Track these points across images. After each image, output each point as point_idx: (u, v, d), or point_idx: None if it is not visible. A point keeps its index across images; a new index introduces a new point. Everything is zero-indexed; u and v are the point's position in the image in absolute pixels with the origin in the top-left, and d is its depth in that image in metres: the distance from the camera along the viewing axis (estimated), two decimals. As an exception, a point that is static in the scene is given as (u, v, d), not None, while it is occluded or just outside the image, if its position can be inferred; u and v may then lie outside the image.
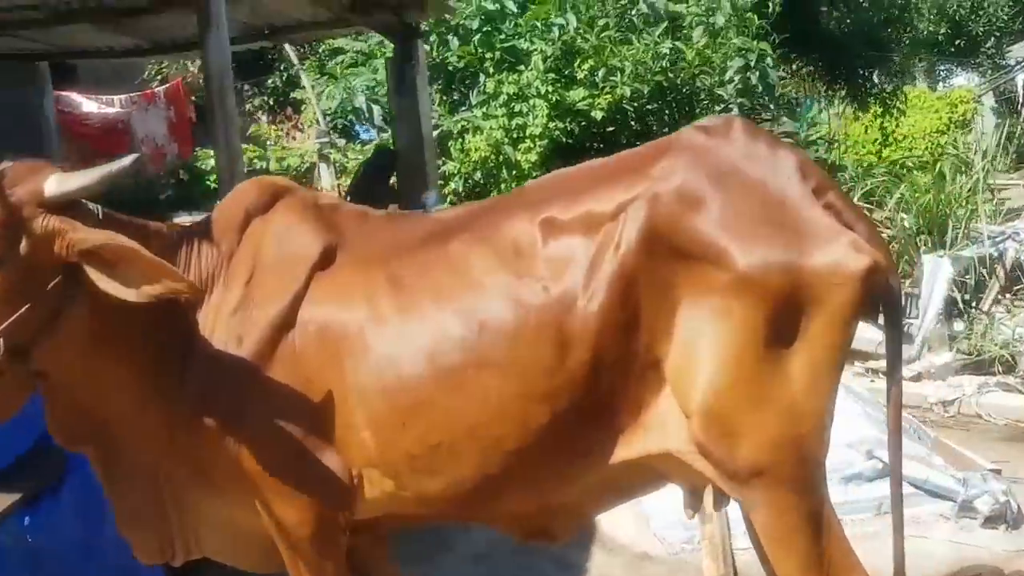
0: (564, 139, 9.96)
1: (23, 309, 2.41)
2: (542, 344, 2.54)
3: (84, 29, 7.00)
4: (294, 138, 14.76)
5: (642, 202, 2.54)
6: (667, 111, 10.60)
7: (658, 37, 10.65)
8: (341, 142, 12.98)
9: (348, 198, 8.41)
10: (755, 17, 11.15)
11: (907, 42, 18.91)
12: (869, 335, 8.15)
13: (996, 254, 8.50)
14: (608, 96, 10.18)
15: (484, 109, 10.08)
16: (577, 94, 10.14)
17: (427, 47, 10.41)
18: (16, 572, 3.34)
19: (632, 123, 10.41)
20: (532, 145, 9.82)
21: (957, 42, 25.54)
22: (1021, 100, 22.87)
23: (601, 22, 10.74)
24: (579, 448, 2.64)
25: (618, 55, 10.39)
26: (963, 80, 27.36)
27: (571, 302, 2.54)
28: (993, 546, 4.75)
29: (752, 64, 10.56)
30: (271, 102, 14.78)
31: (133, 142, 12.43)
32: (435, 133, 10.09)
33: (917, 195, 9.20)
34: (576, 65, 10.34)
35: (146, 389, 2.69)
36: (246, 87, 14.92)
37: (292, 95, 13.87)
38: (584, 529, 4.72)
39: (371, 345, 2.64)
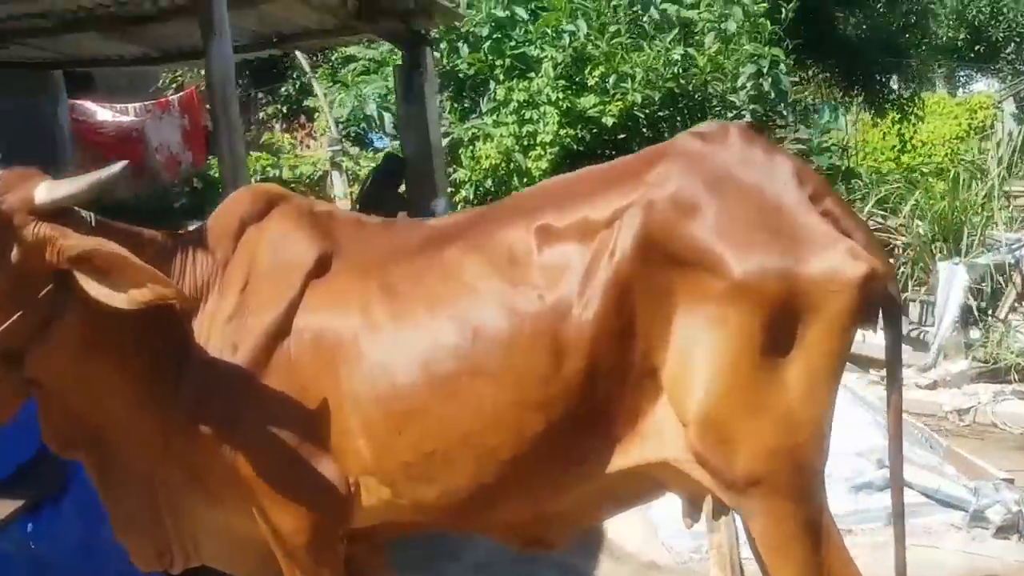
0: (575, 146, 9.91)
1: (15, 316, 2.42)
2: (537, 352, 2.53)
3: (91, 37, 7.03)
4: (308, 146, 14.80)
5: (637, 209, 2.53)
6: (679, 118, 10.53)
7: (669, 43, 10.59)
8: (354, 150, 12.98)
9: (358, 206, 8.40)
10: (767, 23, 11.09)
11: (925, 48, 18.79)
12: (882, 342, 8.10)
13: (1013, 261, 8.42)
14: (619, 103, 10.12)
15: (495, 116, 10.05)
16: (588, 101, 10.09)
17: (437, 54, 10.41)
18: (20, 576, 3.34)
19: (644, 130, 10.35)
20: (543, 152, 9.78)
21: (977, 48, 25.38)
22: (1041, 105, 22.67)
23: (612, 28, 10.69)
24: (575, 457, 2.62)
25: (629, 62, 10.33)
26: (983, 86, 27.16)
27: (566, 310, 2.53)
28: (1005, 556, 4.72)
29: (764, 70, 10.49)
30: (284, 110, 14.82)
31: (147, 150, 12.49)
32: (446, 141, 10.07)
33: (932, 202, 9.11)
34: (587, 72, 10.29)
35: (139, 395, 2.69)
36: (260, 95, 14.97)
37: (305, 103, 13.90)
38: (587, 536, 4.78)
39: (365, 353, 2.63)
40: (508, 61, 10.30)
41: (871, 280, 2.44)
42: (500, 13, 10.39)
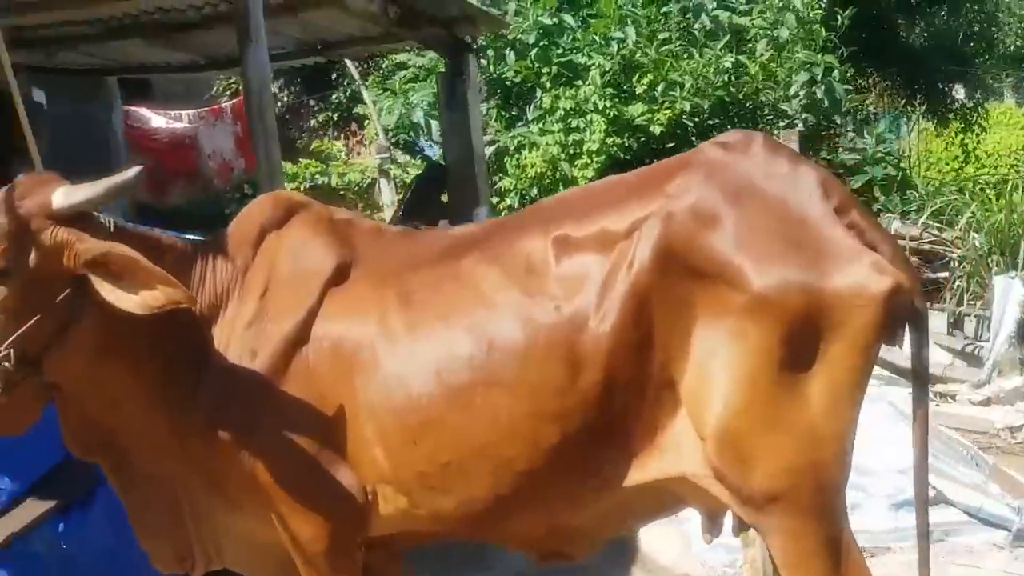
0: (622, 155, 9.83)
1: (33, 320, 2.45)
2: (553, 363, 2.51)
3: (137, 44, 7.13)
4: (359, 153, 14.88)
5: (656, 220, 2.50)
6: (729, 127, 10.39)
7: (720, 51, 10.47)
8: (404, 158, 13.03)
9: (400, 213, 8.40)
10: (822, 30, 10.91)
11: (991, 57, 18.35)
12: (937, 358, 7.91)
13: (1071, 275, 8.13)
14: (668, 111, 10.04)
15: (541, 124, 10.02)
16: (636, 109, 10.01)
17: (484, 62, 10.39)
18: (52, 576, 3.37)
19: (692, 139, 10.21)
20: (589, 161, 9.72)
21: (1047, 58, 24.70)
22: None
23: (662, 36, 10.60)
24: (591, 470, 2.59)
25: (678, 69, 10.24)
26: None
27: (583, 321, 2.50)
28: (1048, 577, 4.55)
29: (818, 78, 10.30)
30: (335, 117, 14.91)
31: (200, 157, 12.65)
32: (491, 149, 10.05)
33: (989, 214, 8.87)
34: (635, 80, 10.21)
35: (154, 400, 2.71)
36: (311, 102, 15.10)
37: (355, 111, 13.98)
38: (620, 548, 4.76)
39: (381, 362, 2.63)
40: (555, 69, 10.28)
41: (896, 294, 2.39)
42: (547, 20, 10.36)
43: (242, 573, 3.05)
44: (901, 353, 6.82)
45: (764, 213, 2.46)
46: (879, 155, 10.52)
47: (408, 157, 12.80)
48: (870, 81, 16.38)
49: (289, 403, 2.65)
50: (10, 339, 2.42)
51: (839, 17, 11.20)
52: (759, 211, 2.46)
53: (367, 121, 13.49)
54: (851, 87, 11.33)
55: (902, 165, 11.70)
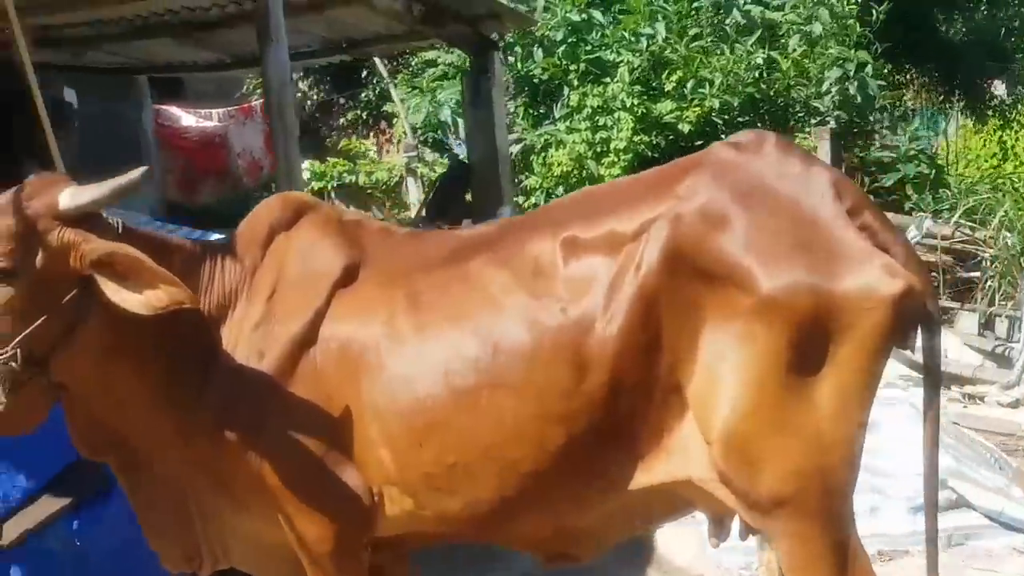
0: (650, 153, 9.74)
1: (39, 321, 2.45)
2: (559, 365, 2.50)
3: (164, 43, 7.17)
4: (387, 152, 14.90)
5: (664, 221, 2.47)
6: (759, 124, 10.27)
7: (751, 47, 10.36)
8: (432, 156, 13.03)
9: (424, 212, 8.39)
10: (856, 25, 10.75)
11: (1032, 53, 18.03)
12: (967, 359, 7.77)
13: (1104, 276, 7.94)
14: (696, 109, 9.95)
15: (568, 122, 9.96)
16: (664, 107, 9.93)
17: (511, 59, 10.35)
18: (66, 574, 3.41)
19: (722, 136, 10.11)
20: (616, 159, 9.65)
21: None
22: None
23: (692, 32, 10.50)
24: (597, 472, 2.58)
25: (708, 66, 10.15)
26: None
27: (590, 323, 2.49)
28: (1068, 583, 4.47)
29: (851, 74, 10.16)
30: (364, 116, 14.94)
31: (230, 156, 12.70)
32: (518, 147, 10.00)
33: (1022, 213, 8.68)
34: (664, 76, 10.13)
35: (161, 400, 2.70)
36: (341, 100, 15.14)
37: (383, 109, 14.00)
38: (636, 549, 4.74)
39: (388, 364, 2.62)
40: (583, 66, 10.22)
41: (907, 297, 2.35)
42: (576, 17, 10.29)
43: (249, 572, 3.05)
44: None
45: (775, 214, 2.42)
46: (912, 153, 10.35)
47: (436, 155, 12.80)
48: (907, 77, 16.15)
49: (296, 404, 2.65)
50: (17, 339, 2.42)
51: (874, 12, 11.02)
52: (769, 212, 2.43)
53: (396, 119, 13.51)
54: (885, 83, 11.13)
55: (939, 162, 11.50)
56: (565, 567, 2.87)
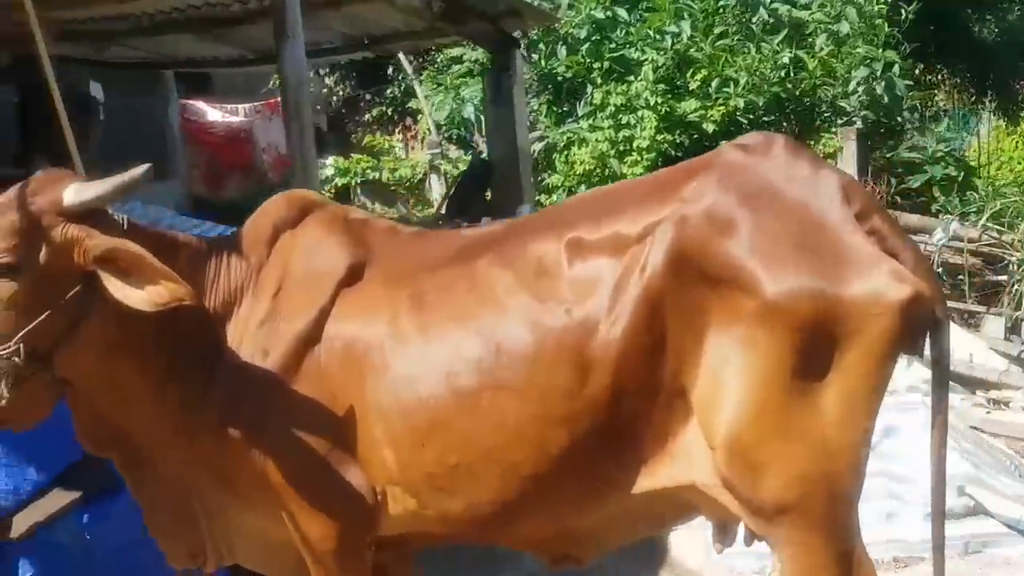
0: (673, 152, 9.68)
1: (43, 316, 2.45)
2: (561, 367, 2.48)
3: (186, 39, 7.20)
4: (412, 148, 14.91)
5: (669, 224, 2.45)
6: (785, 123, 10.19)
7: (777, 46, 10.27)
8: (456, 153, 13.03)
9: (444, 210, 8.38)
10: (885, 25, 10.63)
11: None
12: (992, 363, 7.66)
13: None
14: (721, 108, 9.88)
15: (591, 121, 9.92)
16: (688, 105, 9.87)
17: (535, 56, 10.32)
18: (74, 569, 3.43)
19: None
20: (639, 158, 9.60)
21: None
22: None
23: (718, 30, 10.43)
24: (599, 475, 2.56)
25: (733, 65, 10.07)
26: None
27: (593, 325, 2.46)
28: (1087, 593, 4.40)
29: (877, 74, 10.04)
30: (390, 112, 14.95)
31: (255, 151, 12.76)
32: (541, 145, 9.97)
33: (1050, 216, 8.57)
34: (689, 75, 10.06)
35: (165, 397, 2.70)
36: (368, 96, 15.15)
37: (408, 105, 14.01)
38: (648, 552, 4.71)
39: (391, 364, 2.61)
40: (606, 64, 10.16)
41: (916, 303, 2.31)
42: (600, 15, 10.24)
43: (254, 569, 3.05)
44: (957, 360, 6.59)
45: (781, 217, 2.40)
46: (939, 154, 10.22)
47: (460, 152, 12.79)
48: (939, 77, 15.98)
49: (300, 402, 2.64)
50: (20, 335, 2.42)
51: (903, 11, 10.89)
52: (776, 215, 2.40)
53: (420, 116, 13.51)
54: (914, 83, 11.00)
55: (971, 164, 11.36)
56: (568, 569, 2.85)
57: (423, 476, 2.60)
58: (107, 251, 2.47)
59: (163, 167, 10.12)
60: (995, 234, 8.64)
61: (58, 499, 3.48)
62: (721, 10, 10.75)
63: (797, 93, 10.39)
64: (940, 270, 8.54)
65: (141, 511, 2.94)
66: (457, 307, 2.61)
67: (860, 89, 10.27)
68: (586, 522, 2.68)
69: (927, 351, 2.52)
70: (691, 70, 10.13)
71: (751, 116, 10.15)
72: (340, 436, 2.63)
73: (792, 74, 10.39)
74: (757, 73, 10.13)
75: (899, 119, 10.90)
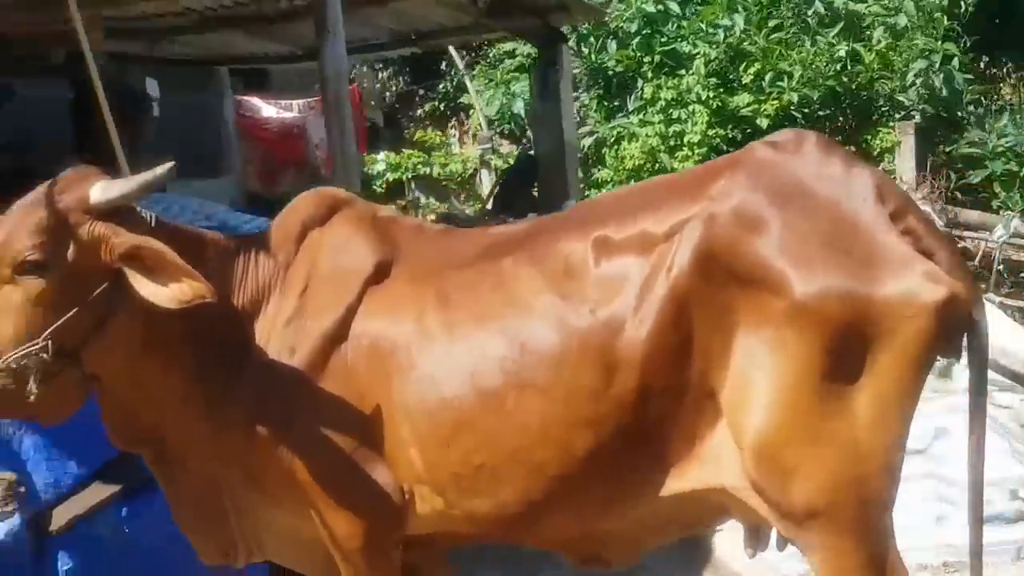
0: (725, 147, 9.57)
1: (70, 313, 2.46)
2: (586, 368, 2.45)
3: (236, 35, 7.25)
4: (464, 143, 14.91)
5: (697, 222, 2.40)
6: (841, 118, 10.01)
7: (833, 39, 10.08)
8: (507, 148, 13.01)
9: (490, 206, 8.36)
10: (944, 18, 10.39)
11: None
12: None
13: None
14: (775, 102, 9.74)
15: (641, 115, 9.84)
16: (741, 99, 9.76)
17: (585, 50, 10.25)
18: (112, 562, 3.45)
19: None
20: (690, 153, 9.52)
21: None
22: None
23: (772, 23, 10.27)
24: (625, 477, 2.53)
25: (788, 58, 9.91)
26: None
27: (619, 325, 2.43)
28: None
29: (935, 67, 9.81)
30: (442, 107, 14.97)
31: (308, 146, 12.81)
32: (590, 140, 9.90)
33: (1095, 214, 8.32)
34: (741, 69, 9.93)
35: (193, 395, 2.71)
36: (421, 91, 15.19)
37: (459, 100, 14.02)
38: (692, 553, 4.66)
39: (416, 363, 2.60)
40: (657, 58, 10.07)
41: (950, 305, 2.25)
42: (650, 8, 10.15)
43: (287, 566, 3.07)
44: (1017, 359, 6.39)
45: (812, 216, 2.34)
46: (1000, 149, 9.96)
47: (512, 147, 12.77)
48: (1004, 71, 15.54)
49: (326, 400, 2.64)
50: (48, 331, 2.44)
51: (963, 3, 10.63)
52: (807, 214, 2.35)
53: (472, 111, 13.52)
54: (974, 77, 10.72)
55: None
56: (598, 571, 2.84)
57: (449, 476, 2.59)
58: (132, 248, 2.48)
59: (218, 164, 10.23)
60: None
61: (97, 492, 3.50)
62: (776, 3, 10.59)
63: (853, 87, 10.21)
64: (1001, 267, 8.34)
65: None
66: (482, 306, 2.59)
67: (918, 82, 10.04)
68: (613, 524, 2.65)
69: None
70: (744, 64, 10.02)
71: (805, 110, 10.00)
72: (366, 434, 2.63)
73: (848, 67, 10.19)
74: (812, 67, 9.98)
75: (959, 113, 10.64)
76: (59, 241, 2.46)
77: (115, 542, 3.47)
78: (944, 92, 10.03)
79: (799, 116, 9.92)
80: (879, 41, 10.33)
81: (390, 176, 12.96)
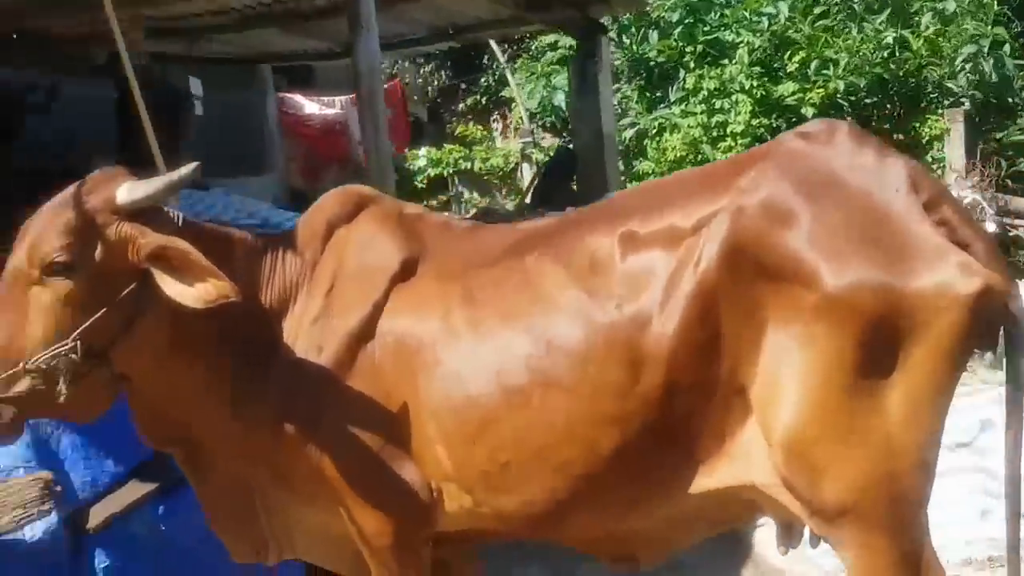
0: (769, 137, 9.40)
1: (99, 314, 2.48)
2: (612, 365, 2.42)
3: (273, 33, 7.27)
4: (507, 137, 14.87)
5: (725, 215, 2.36)
6: (888, 106, 9.81)
7: (880, 25, 9.88)
8: (549, 142, 12.93)
9: (528, 200, 8.32)
10: (994, 2, 10.13)
11: None
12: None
13: None
14: (820, 90, 9.56)
15: (683, 106, 9.72)
16: (786, 88, 9.60)
17: (626, 41, 10.16)
18: (149, 560, 3.48)
19: (848, 119, 9.69)
20: (733, 144, 9.39)
21: None
22: None
23: (818, 10, 10.10)
24: (652, 475, 2.51)
25: (833, 46, 9.73)
26: None
27: (645, 321, 2.40)
28: None
29: (984, 51, 9.57)
30: (484, 101, 14.95)
31: (350, 143, 12.83)
32: (632, 131, 9.81)
33: None
34: (786, 57, 9.77)
35: (222, 394, 2.72)
36: (462, 86, 15.17)
37: (501, 94, 13.98)
38: (732, 548, 4.65)
39: (442, 360, 2.60)
40: (700, 47, 9.94)
41: (986, 297, 2.19)
42: (693, -2, 10.05)
43: (319, 565, 3.08)
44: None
45: (843, 208, 2.29)
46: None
47: (554, 141, 12.70)
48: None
49: (353, 398, 2.64)
50: (76, 332, 2.45)
51: (1014, -13, 10.38)
52: (837, 206, 2.29)
53: (514, 104, 13.47)
54: (1023, 62, 10.45)
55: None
56: (624, 570, 2.81)
57: (476, 474, 2.58)
58: (157, 248, 2.49)
59: (261, 161, 10.30)
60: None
61: (134, 491, 3.53)
62: (823, -11, 10.43)
63: (901, 74, 10.00)
64: (1053, 257, 8.13)
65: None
66: (508, 303, 2.57)
67: (967, 68, 9.80)
68: (642, 522, 2.62)
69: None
70: (789, 52, 9.85)
71: (852, 98, 9.81)
72: (393, 432, 2.62)
73: (896, 54, 9.99)
74: (859, 54, 9.79)
75: (1009, 99, 10.38)
76: (87, 242, 2.48)
77: (152, 540, 3.50)
78: (994, 78, 9.78)
79: (845, 104, 9.75)
80: (927, 27, 10.11)
81: (431, 172, 12.97)
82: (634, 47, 10.38)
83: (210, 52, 8.18)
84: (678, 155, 9.47)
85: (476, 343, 2.57)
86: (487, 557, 3.30)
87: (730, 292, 2.33)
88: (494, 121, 15.11)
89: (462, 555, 3.03)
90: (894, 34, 9.93)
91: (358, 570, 2.86)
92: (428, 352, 2.60)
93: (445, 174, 13.01)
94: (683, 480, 2.48)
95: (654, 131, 9.92)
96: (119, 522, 3.43)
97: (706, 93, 9.56)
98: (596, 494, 2.53)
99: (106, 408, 2.72)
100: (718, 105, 9.51)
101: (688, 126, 9.50)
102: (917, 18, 10.31)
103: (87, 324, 2.46)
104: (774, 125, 9.64)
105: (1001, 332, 2.34)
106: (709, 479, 2.45)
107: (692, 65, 9.93)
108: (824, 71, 9.66)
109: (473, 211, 10.80)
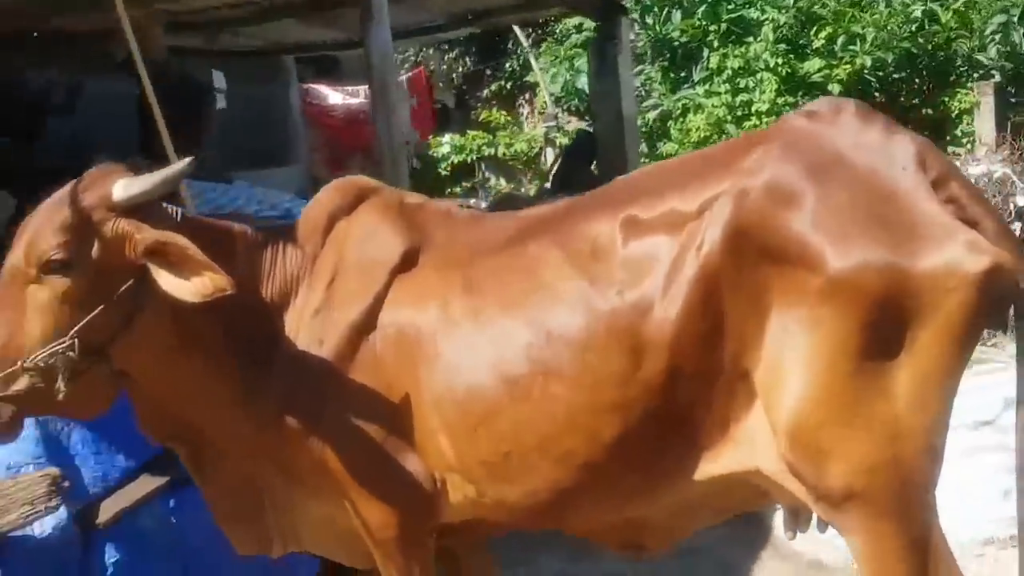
0: (795, 115, 9.28)
1: (97, 311, 2.48)
2: (614, 352, 2.39)
3: (291, 24, 7.24)
4: (531, 122, 14.81)
5: (728, 198, 2.31)
6: (917, 80, 9.64)
7: (908, -1, 9.72)
8: (578, 124, 12.85)
9: (550, 184, 8.26)
10: (1027, -29, 9.91)
11: None
12: None
13: None
14: (847, 66, 9.41)
15: (707, 86, 9.61)
16: (812, 65, 9.46)
17: (649, 21, 10.05)
18: (159, 554, 3.48)
19: (875, 95, 9.54)
20: (758, 123, 9.26)
21: None
22: None
23: (844, -15, 9.95)
24: (656, 462, 2.47)
25: (860, 21, 9.57)
26: None
27: (647, 307, 2.36)
28: None
29: (1016, 20, 9.36)
30: (508, 86, 14.87)
31: (374, 132, 12.83)
32: (656, 113, 9.72)
33: None
34: (812, 33, 9.62)
35: (223, 389, 2.71)
36: (487, 71, 15.12)
37: (525, 79, 13.91)
38: (750, 532, 4.61)
39: (443, 351, 2.58)
40: (724, 26, 9.81)
41: (995, 275, 2.13)
42: (717, -25, 9.92)
43: (325, 556, 3.09)
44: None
45: (848, 187, 2.23)
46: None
47: (580, 124, 12.63)
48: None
49: (355, 391, 2.63)
50: (74, 329, 2.45)
51: (1047, -45, 10.13)
52: (843, 185, 2.24)
53: (538, 89, 13.41)
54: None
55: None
56: (632, 557, 2.81)
57: (479, 464, 2.57)
58: (155, 244, 2.47)
59: (285, 153, 10.32)
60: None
61: (144, 485, 3.52)
62: (848, -36, 10.24)
63: (930, 48, 9.82)
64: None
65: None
66: (509, 292, 2.55)
67: (996, 38, 9.59)
68: (647, 510, 2.60)
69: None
70: (815, 28, 9.70)
71: (880, 74, 9.65)
72: (396, 424, 2.61)
73: (925, 28, 9.81)
74: (886, 28, 9.61)
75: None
76: (83, 239, 2.47)
77: (162, 534, 3.50)
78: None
79: (873, 80, 9.59)
80: (956, 0, 9.91)
81: (455, 158, 12.94)
82: (657, 27, 10.27)
83: (234, 45, 8.17)
84: (702, 136, 9.37)
85: (477, 333, 2.54)
86: (503, 545, 3.28)
87: (733, 276, 2.28)
88: (520, 106, 15.05)
89: (469, 545, 3.02)
90: (922, 7, 9.78)
91: (364, 562, 2.86)
92: (428, 343, 2.58)
93: (469, 160, 12.98)
94: (687, 467, 2.44)
95: (678, 112, 9.82)
96: (128, 516, 3.43)
97: (730, 72, 9.45)
98: (599, 483, 2.50)
99: (107, 405, 2.72)
100: (743, 84, 9.41)
101: (712, 106, 9.39)
102: (946, -10, 10.13)
103: (85, 321, 2.45)
104: (800, 103, 9.48)
105: (1012, 311, 2.28)
106: (714, 465, 2.42)
107: (716, 44, 9.82)
108: (851, 47, 9.51)
109: (493, 197, 10.77)
